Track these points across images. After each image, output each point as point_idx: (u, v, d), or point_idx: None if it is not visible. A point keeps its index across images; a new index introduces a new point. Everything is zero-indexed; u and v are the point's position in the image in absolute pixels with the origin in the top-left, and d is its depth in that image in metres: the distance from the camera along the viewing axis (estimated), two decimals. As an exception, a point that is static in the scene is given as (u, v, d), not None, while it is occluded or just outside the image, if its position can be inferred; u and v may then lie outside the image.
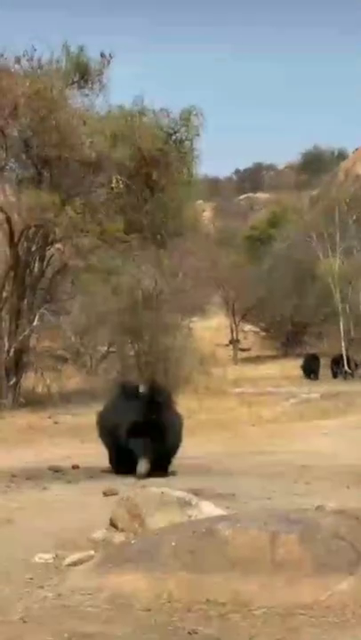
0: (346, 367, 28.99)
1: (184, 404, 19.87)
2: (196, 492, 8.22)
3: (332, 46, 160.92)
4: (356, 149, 60.34)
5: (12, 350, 20.24)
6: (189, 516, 6.76)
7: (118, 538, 6.73)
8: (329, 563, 5.75)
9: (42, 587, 5.89)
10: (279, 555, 5.78)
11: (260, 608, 5.41)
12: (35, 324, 20.34)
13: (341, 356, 29.05)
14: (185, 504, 7.00)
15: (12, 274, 20.53)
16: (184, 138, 20.77)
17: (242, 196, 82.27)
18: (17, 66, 19.78)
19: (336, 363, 29.12)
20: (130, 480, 10.05)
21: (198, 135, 20.85)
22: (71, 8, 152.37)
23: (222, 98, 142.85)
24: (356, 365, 28.81)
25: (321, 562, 5.76)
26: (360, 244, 30.57)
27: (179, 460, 12.09)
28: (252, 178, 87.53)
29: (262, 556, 5.77)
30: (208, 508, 7.02)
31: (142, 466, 10.27)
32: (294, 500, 8.66)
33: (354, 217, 31.27)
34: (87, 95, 20.83)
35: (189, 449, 13.45)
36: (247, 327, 40.80)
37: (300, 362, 30.59)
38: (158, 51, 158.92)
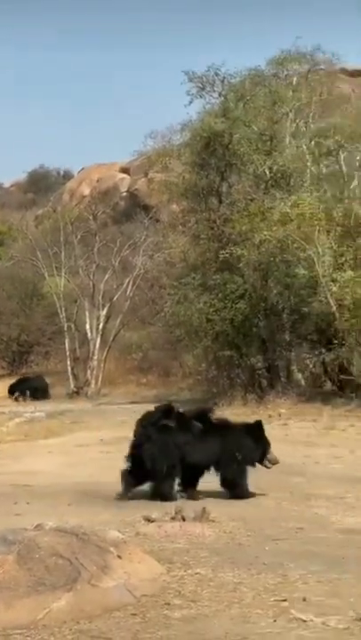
0: (72, 386, 29.25)
1: None
2: None
3: (59, 63, 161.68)
4: (82, 170, 61.08)
5: None
6: None
7: None
8: (47, 581, 5.77)
9: None
10: (-4, 577, 5.72)
11: (-25, 633, 5.31)
12: None
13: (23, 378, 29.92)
14: None
15: None
16: None
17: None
18: None
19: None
20: None
21: None
22: None
23: None
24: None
25: (39, 580, 5.76)
26: (85, 262, 30.96)
27: None
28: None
29: (-21, 579, 5.68)
30: None
31: None
32: (14, 521, 8.57)
33: (79, 236, 31.64)
34: None
35: None
36: (-28, 348, 40.05)
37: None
38: None
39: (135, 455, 10.48)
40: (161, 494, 10.18)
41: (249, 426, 10.94)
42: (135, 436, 10.71)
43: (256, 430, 10.77)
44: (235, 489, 10.42)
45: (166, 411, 10.82)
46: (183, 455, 10.41)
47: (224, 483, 10.51)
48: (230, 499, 10.19)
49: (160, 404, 11.56)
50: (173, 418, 10.61)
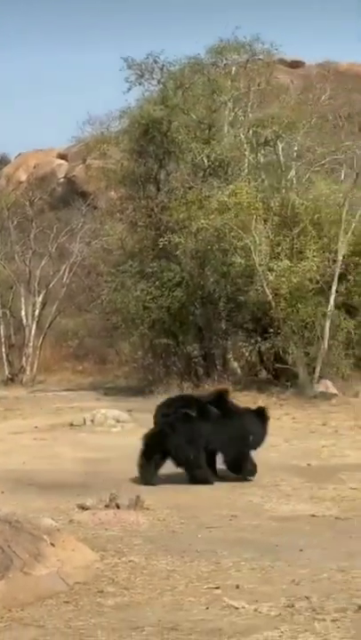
0: (7, 373, 29.02)
1: None
2: None
3: None
4: (19, 155, 60.46)
5: None
6: None
7: None
8: (-21, 569, 5.70)
9: None
10: None
11: None
12: None
13: None
14: None
15: None
16: None
17: None
18: None
19: None
20: None
21: None
22: None
23: None
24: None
25: (-30, 569, 5.69)
26: (21, 249, 30.68)
27: None
28: None
29: None
30: None
31: None
32: None
33: (15, 222, 31.34)
34: None
35: None
36: None
37: None
38: None
39: (154, 442, 10.61)
40: (199, 481, 10.33)
41: (257, 411, 11.31)
42: (156, 423, 10.88)
43: (264, 415, 11.19)
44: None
45: (187, 399, 11.39)
46: (207, 443, 10.65)
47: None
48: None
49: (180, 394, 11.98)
50: (194, 406, 10.83)
